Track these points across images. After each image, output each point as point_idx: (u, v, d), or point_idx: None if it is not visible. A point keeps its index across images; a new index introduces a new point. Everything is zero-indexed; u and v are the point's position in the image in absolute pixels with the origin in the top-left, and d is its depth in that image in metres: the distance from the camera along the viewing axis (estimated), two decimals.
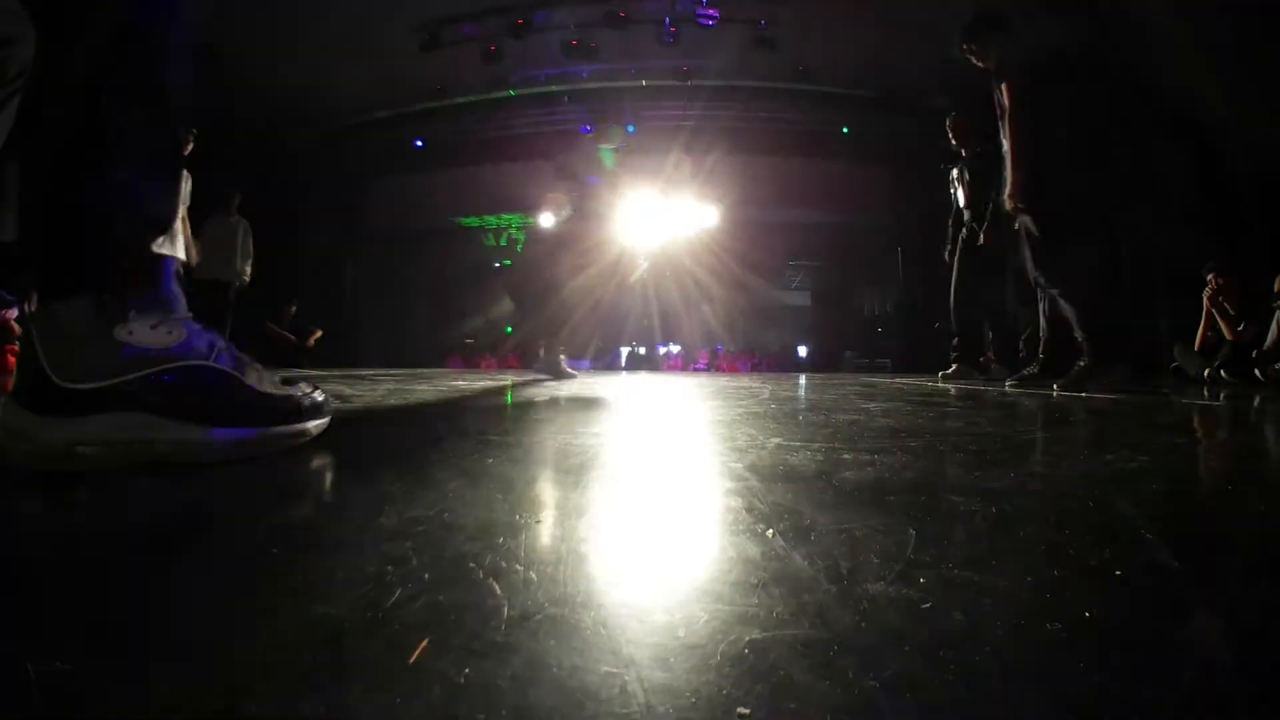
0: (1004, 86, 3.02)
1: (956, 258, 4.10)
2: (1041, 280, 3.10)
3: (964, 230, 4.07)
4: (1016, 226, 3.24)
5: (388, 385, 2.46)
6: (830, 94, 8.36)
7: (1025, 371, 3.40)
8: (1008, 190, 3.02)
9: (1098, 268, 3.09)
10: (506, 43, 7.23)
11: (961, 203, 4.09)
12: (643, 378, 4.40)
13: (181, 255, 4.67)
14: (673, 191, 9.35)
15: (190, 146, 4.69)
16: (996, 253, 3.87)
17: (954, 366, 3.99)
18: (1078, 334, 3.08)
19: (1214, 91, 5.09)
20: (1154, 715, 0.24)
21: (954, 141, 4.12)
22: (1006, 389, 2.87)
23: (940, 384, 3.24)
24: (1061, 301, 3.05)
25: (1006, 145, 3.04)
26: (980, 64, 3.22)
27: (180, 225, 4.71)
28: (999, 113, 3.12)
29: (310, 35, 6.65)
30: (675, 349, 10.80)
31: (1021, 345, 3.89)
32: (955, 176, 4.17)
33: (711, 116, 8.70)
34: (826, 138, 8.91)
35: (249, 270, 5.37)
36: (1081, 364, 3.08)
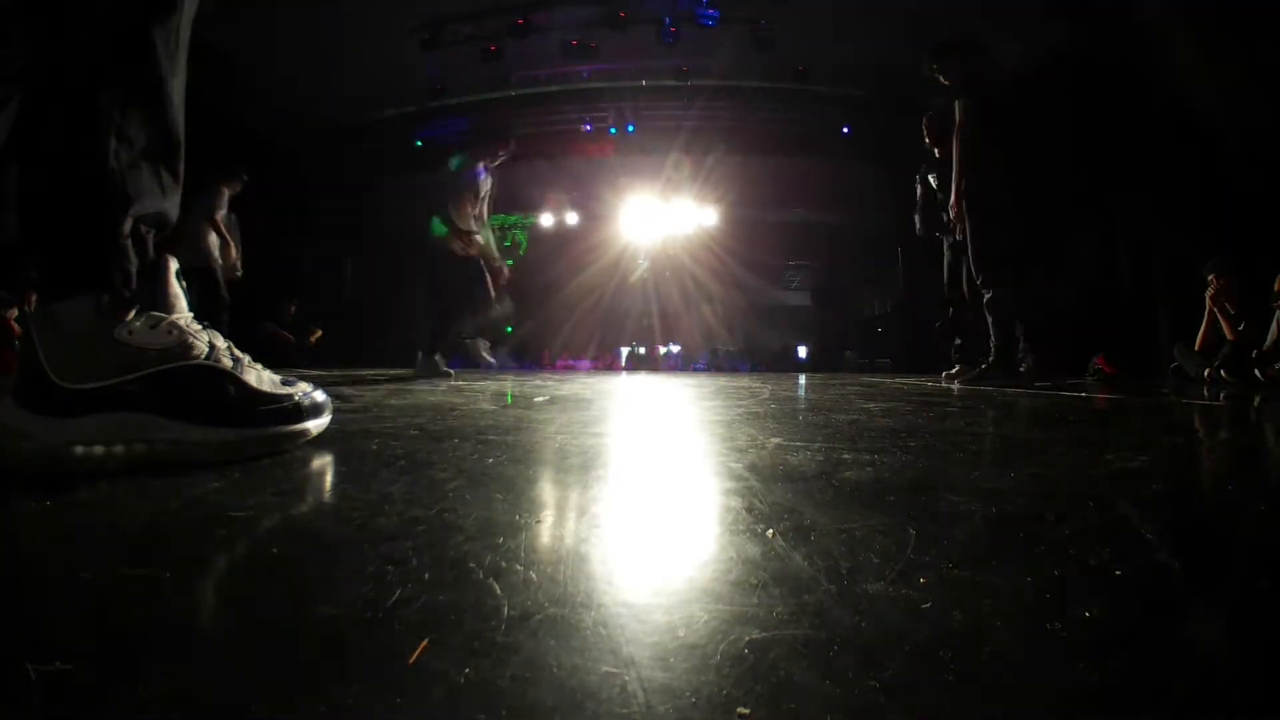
0: (958, 104, 3.23)
1: (946, 261, 4.14)
2: (979, 280, 3.34)
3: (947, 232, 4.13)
4: (958, 235, 3.44)
5: (388, 386, 2.46)
6: (830, 94, 8.34)
7: (1026, 371, 3.49)
8: (952, 197, 3.22)
9: (1029, 276, 3.39)
10: (506, 43, 7.22)
11: (939, 197, 4.14)
12: (642, 378, 4.40)
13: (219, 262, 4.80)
14: (672, 191, 9.38)
15: (238, 188, 4.81)
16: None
17: (957, 367, 4.02)
18: (993, 333, 3.31)
19: (1214, 90, 5.10)
20: (1154, 715, 0.24)
21: (928, 141, 4.15)
22: (949, 387, 2.97)
23: (943, 384, 3.27)
24: (989, 301, 3.26)
25: (955, 156, 3.25)
26: (946, 82, 3.40)
27: (220, 235, 4.84)
28: (953, 127, 3.33)
29: (311, 35, 6.64)
30: (675, 349, 10.80)
31: (1021, 345, 3.90)
32: (931, 176, 4.20)
33: (711, 116, 8.69)
34: (826, 138, 8.90)
35: (239, 264, 5.36)
36: (985, 363, 3.34)
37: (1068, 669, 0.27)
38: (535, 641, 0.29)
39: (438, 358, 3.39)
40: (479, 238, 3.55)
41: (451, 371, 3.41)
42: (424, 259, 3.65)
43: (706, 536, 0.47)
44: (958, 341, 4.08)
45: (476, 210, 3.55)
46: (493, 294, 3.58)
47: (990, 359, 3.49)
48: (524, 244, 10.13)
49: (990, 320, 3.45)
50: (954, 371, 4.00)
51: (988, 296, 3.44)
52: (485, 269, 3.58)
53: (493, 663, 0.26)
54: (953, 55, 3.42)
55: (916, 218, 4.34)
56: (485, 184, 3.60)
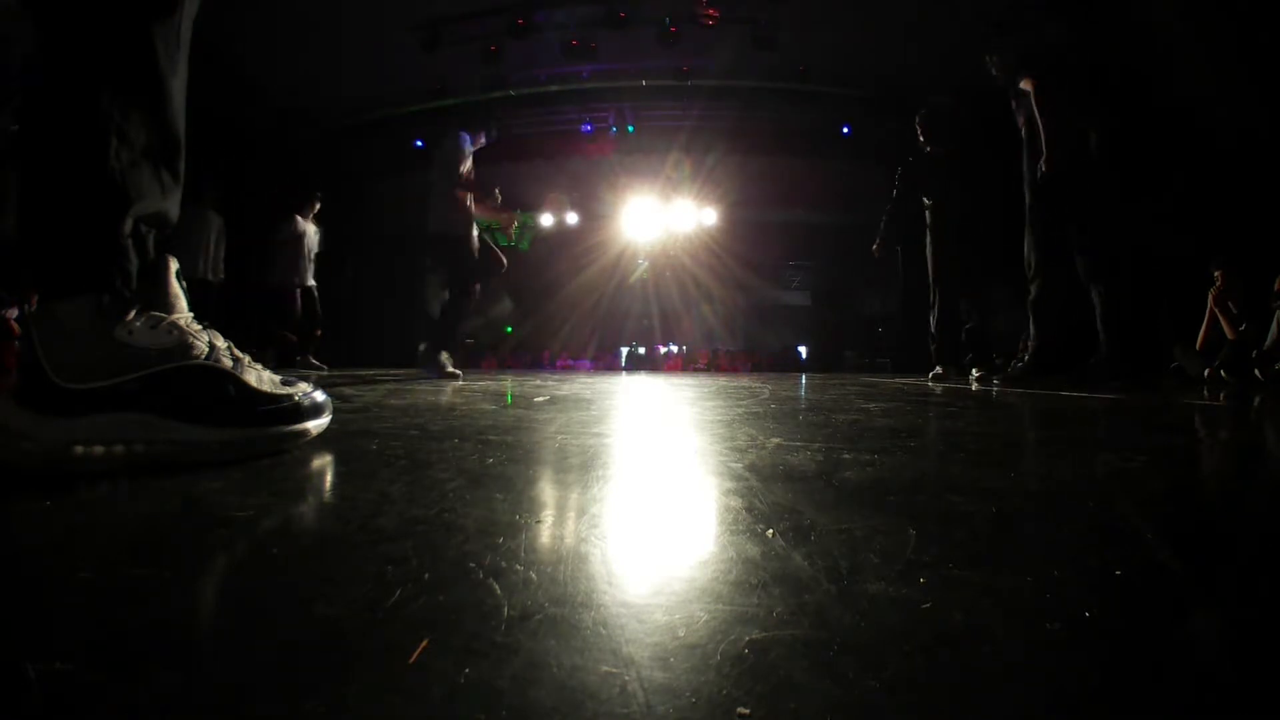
0: (1026, 81, 3.04)
1: (931, 259, 4.12)
2: (1030, 266, 3.13)
3: (932, 232, 4.10)
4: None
5: (388, 385, 2.46)
6: (830, 94, 8.34)
7: (1010, 368, 3.43)
8: (1044, 158, 3.00)
9: (1120, 255, 3.06)
10: (506, 43, 7.22)
11: (926, 202, 4.12)
12: (642, 378, 4.40)
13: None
14: (672, 191, 9.38)
15: (317, 207, 4.95)
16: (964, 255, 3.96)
17: (938, 368, 4.02)
18: (1034, 330, 3.13)
19: (1214, 88, 5.09)
20: (1154, 715, 0.24)
21: (922, 139, 4.13)
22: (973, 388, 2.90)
23: (929, 384, 3.24)
24: (1098, 287, 3.02)
25: (1039, 124, 3.02)
26: (995, 71, 3.28)
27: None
28: (1016, 104, 3.16)
29: (310, 35, 6.64)
30: (675, 349, 10.80)
31: (1021, 345, 3.90)
32: (923, 175, 4.19)
33: (711, 116, 8.69)
34: (826, 138, 8.90)
35: (221, 269, 5.42)
36: (1020, 361, 3.17)
37: (1068, 669, 0.27)
38: (535, 641, 0.29)
39: (444, 356, 3.26)
40: (487, 206, 3.44)
41: (459, 372, 3.28)
42: (433, 251, 3.45)
43: (706, 536, 0.47)
44: (934, 346, 4.07)
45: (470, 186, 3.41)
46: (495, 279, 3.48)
47: (1027, 357, 3.35)
48: (527, 241, 10.14)
49: (1032, 316, 3.24)
50: (939, 373, 3.99)
51: (1034, 291, 3.20)
52: (489, 256, 3.45)
53: (493, 663, 0.26)
54: (1009, 35, 3.31)
55: (883, 221, 4.33)
56: (469, 161, 3.44)
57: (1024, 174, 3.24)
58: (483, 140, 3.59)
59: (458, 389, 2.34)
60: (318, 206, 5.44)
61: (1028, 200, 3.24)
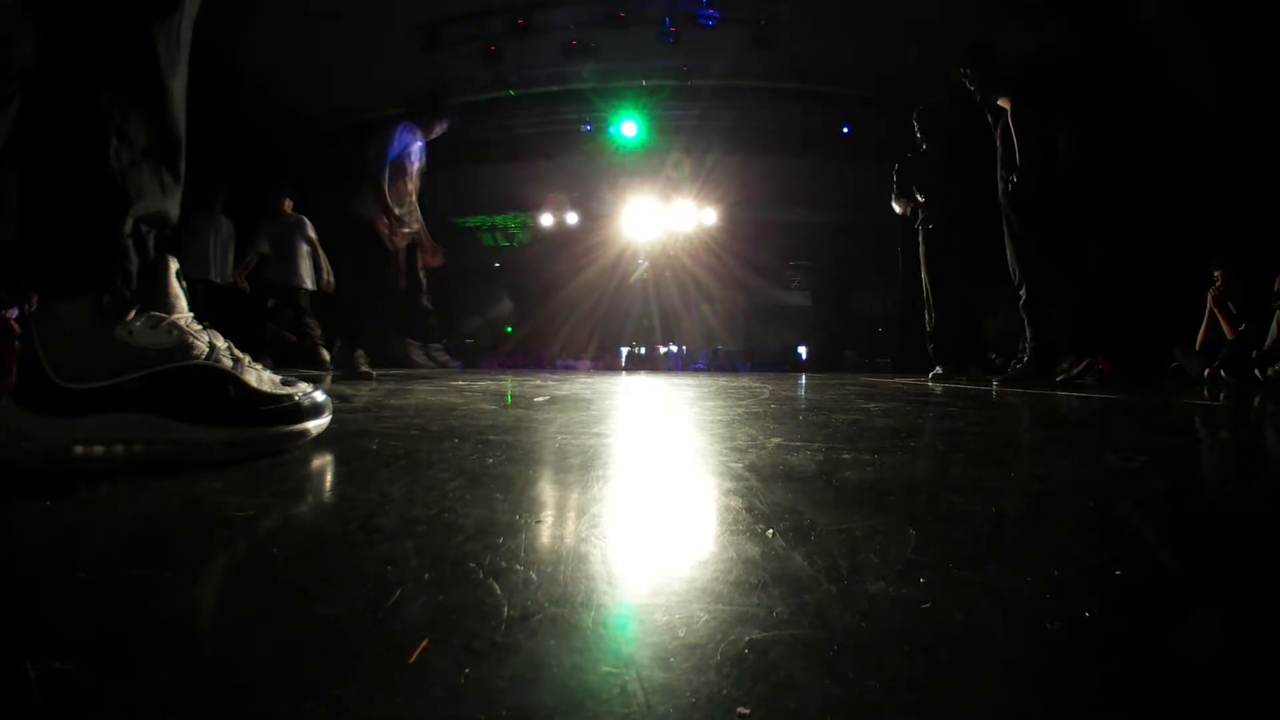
0: (1003, 99, 3.17)
1: (924, 260, 4.12)
2: (1015, 274, 3.25)
3: (926, 231, 4.09)
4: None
5: (388, 385, 2.46)
6: (830, 94, 8.35)
7: (1010, 369, 3.45)
8: (1018, 175, 3.10)
9: (1080, 269, 3.22)
10: (506, 43, 7.22)
11: (920, 199, 4.11)
12: (642, 378, 4.40)
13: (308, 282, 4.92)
14: (672, 191, 9.38)
15: (289, 204, 4.89)
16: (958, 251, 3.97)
17: (937, 369, 4.02)
18: (1029, 333, 3.22)
19: (1214, 89, 5.10)
20: (1154, 715, 0.24)
21: (918, 136, 4.13)
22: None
23: (929, 384, 3.25)
24: (1028, 299, 3.22)
25: (1015, 141, 3.13)
26: (971, 86, 3.37)
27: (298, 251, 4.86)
28: (993, 119, 3.26)
29: (310, 35, 6.65)
30: (675, 349, 10.80)
31: (1021, 346, 3.90)
32: (920, 173, 4.18)
33: (711, 116, 8.69)
34: (826, 138, 8.91)
35: (230, 271, 5.40)
36: (1019, 363, 3.25)
37: (1068, 669, 0.27)
38: (535, 641, 0.29)
39: (359, 354, 3.04)
40: (408, 228, 3.26)
41: (373, 373, 3.04)
42: (354, 242, 3.28)
43: (706, 536, 0.47)
44: (931, 346, 4.07)
45: (411, 187, 3.24)
46: (423, 285, 3.22)
47: (1025, 359, 3.38)
48: (523, 239, 10.16)
49: (1026, 319, 3.31)
50: (939, 373, 4.00)
51: (1024, 296, 3.29)
52: (406, 263, 3.23)
53: (493, 663, 0.26)
54: (985, 51, 3.39)
55: (895, 172, 4.28)
56: (420, 160, 3.29)
57: (998, 185, 3.32)
58: (440, 129, 3.39)
59: (457, 389, 2.34)
60: (289, 204, 5.27)
61: (1003, 213, 3.31)
